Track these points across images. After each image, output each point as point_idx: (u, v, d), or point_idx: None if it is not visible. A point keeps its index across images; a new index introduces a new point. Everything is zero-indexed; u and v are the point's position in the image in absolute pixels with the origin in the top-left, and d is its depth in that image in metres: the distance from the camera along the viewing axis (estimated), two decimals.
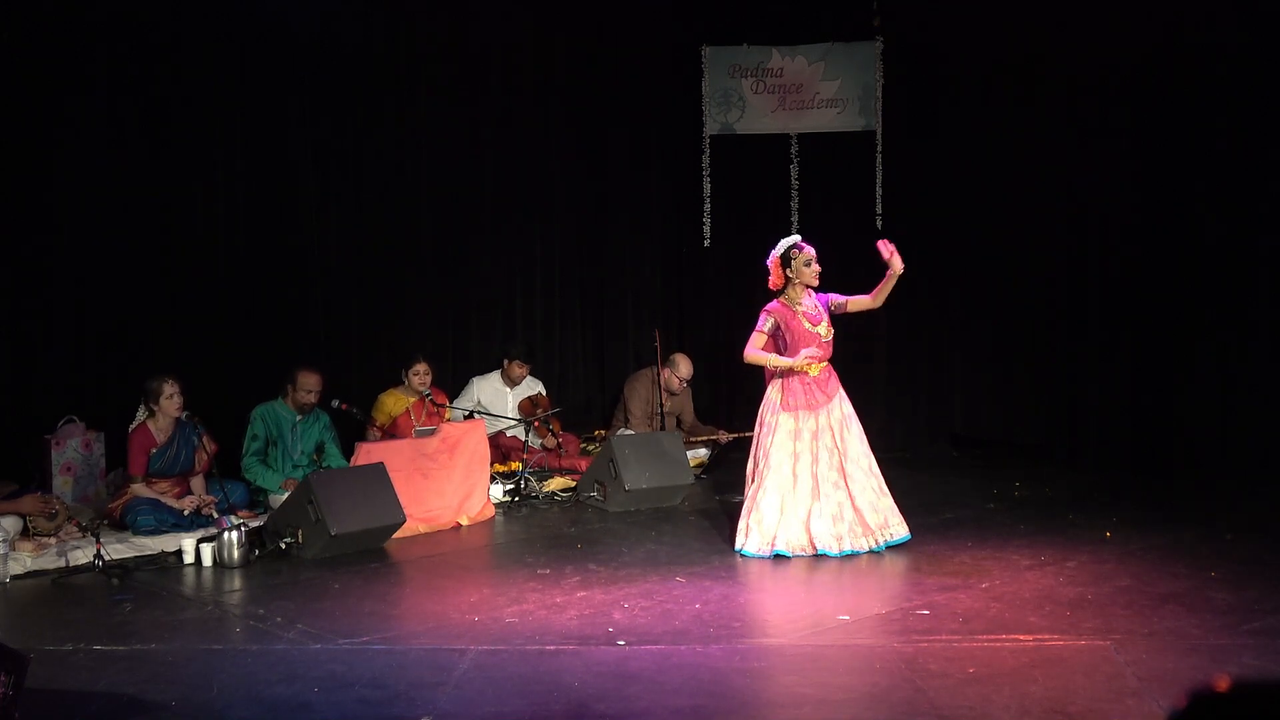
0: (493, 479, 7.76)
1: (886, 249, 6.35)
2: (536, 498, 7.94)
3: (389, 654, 4.77)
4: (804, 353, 6.37)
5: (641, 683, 4.39)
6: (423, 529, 7.00)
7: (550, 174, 9.86)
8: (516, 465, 8.16)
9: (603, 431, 9.18)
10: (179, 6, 8.48)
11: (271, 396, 7.73)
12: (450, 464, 7.28)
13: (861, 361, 9.67)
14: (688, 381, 9.22)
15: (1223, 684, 1.74)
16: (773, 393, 6.47)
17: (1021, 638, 4.85)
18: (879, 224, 9.55)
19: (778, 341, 6.48)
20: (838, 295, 6.57)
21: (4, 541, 5.98)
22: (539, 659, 4.68)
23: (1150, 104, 8.65)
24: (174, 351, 8.05)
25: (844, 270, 9.99)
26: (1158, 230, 8.64)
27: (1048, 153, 9.07)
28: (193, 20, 8.51)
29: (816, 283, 6.48)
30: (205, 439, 7.06)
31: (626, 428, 8.99)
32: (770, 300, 6.51)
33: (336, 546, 6.37)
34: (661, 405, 8.99)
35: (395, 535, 6.74)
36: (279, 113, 8.90)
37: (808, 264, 6.43)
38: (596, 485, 7.70)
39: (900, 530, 6.42)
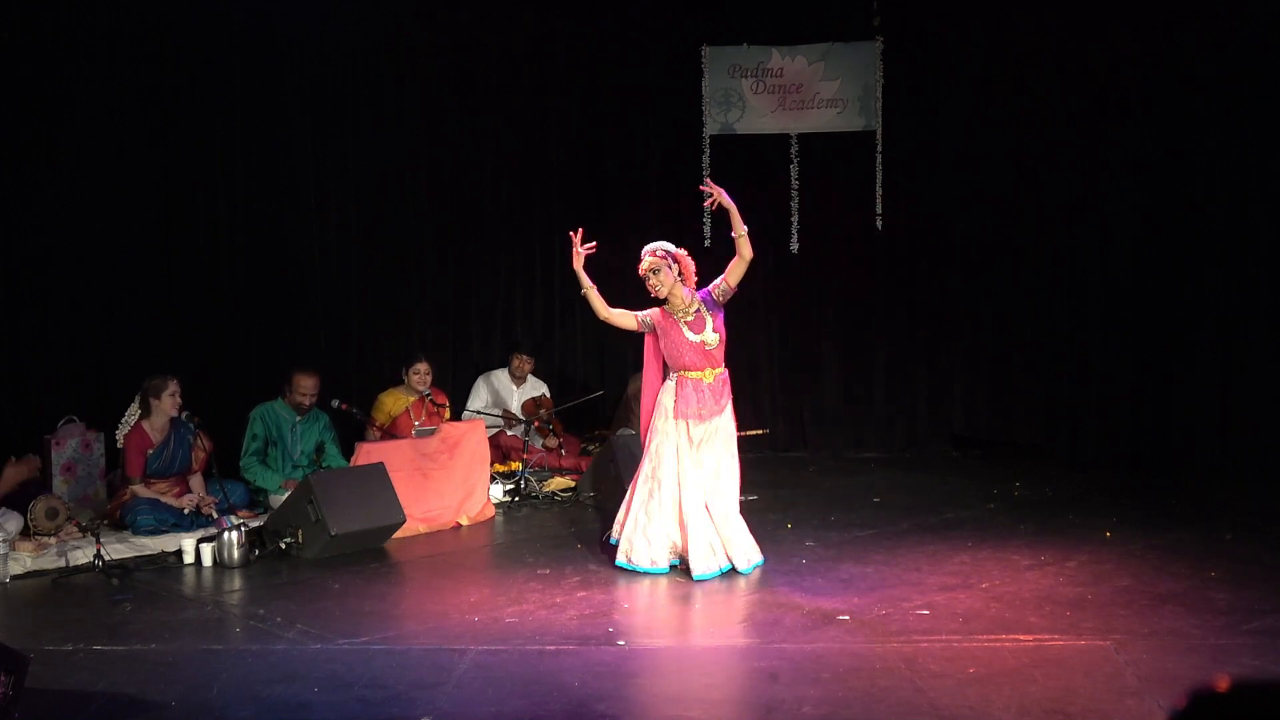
0: (493, 479, 7.75)
1: (713, 190, 5.93)
2: (536, 498, 7.94)
3: (389, 654, 4.78)
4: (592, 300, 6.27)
5: (641, 683, 4.39)
6: (423, 529, 7.00)
7: (550, 173, 9.85)
8: (516, 465, 8.15)
9: (603, 431, 9.17)
10: (179, 6, 8.48)
11: (271, 397, 7.72)
12: (450, 464, 7.27)
13: (861, 362, 9.68)
14: None
15: (1223, 684, 1.73)
16: (665, 397, 6.11)
17: (1021, 638, 4.85)
18: (879, 224, 9.55)
19: (657, 343, 6.18)
20: (717, 282, 6.08)
21: (4, 541, 5.99)
22: (539, 659, 4.68)
23: (1150, 103, 8.66)
24: (174, 351, 8.05)
25: (845, 271, 9.92)
26: (1157, 230, 8.64)
27: (1048, 152, 9.06)
28: (193, 20, 8.51)
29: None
30: (200, 436, 7.05)
31: (628, 427, 8.97)
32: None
33: (336, 546, 6.37)
34: None
35: (395, 535, 6.75)
36: (279, 113, 8.91)
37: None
38: (596, 485, 7.69)
39: (755, 555, 5.98)
